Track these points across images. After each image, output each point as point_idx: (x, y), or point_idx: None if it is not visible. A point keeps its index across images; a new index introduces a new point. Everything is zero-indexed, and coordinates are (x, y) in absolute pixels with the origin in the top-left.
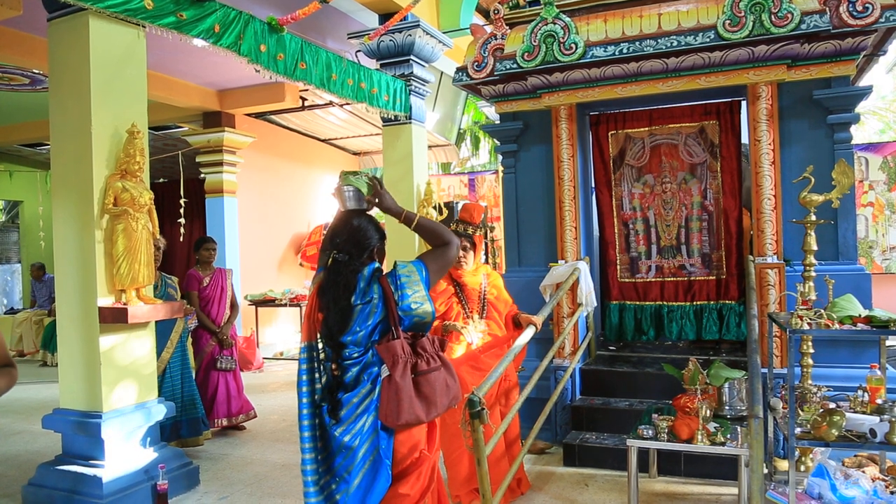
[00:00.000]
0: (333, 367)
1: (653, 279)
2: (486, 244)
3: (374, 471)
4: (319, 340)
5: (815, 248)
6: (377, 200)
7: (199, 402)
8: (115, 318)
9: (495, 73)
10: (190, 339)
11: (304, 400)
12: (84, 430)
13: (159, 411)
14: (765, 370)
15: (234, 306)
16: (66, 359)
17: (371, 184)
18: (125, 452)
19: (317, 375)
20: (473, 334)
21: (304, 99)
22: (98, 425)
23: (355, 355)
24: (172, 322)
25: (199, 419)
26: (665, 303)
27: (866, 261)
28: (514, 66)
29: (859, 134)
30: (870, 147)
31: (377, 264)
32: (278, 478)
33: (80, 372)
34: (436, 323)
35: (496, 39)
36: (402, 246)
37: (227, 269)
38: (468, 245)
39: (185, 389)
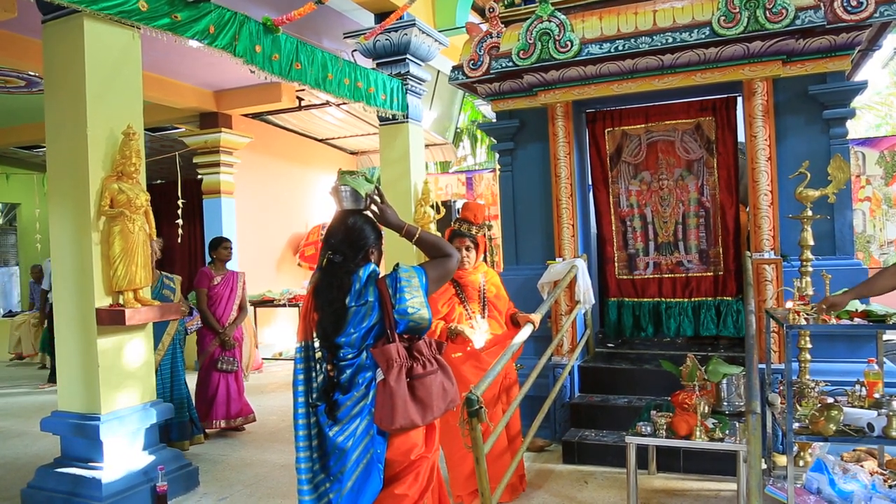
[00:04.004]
0: (329, 367)
1: (650, 276)
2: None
3: (367, 473)
4: (315, 340)
5: (811, 243)
6: (379, 214)
7: (189, 406)
8: (112, 320)
9: (491, 72)
10: (196, 338)
11: (300, 399)
12: (83, 432)
13: (158, 413)
14: (763, 366)
15: (242, 308)
16: (63, 361)
17: (372, 198)
18: (124, 454)
19: (313, 375)
20: (479, 336)
21: (300, 99)
22: (97, 427)
23: (350, 356)
24: (164, 324)
25: (186, 423)
26: (663, 299)
27: (864, 255)
28: (510, 64)
29: (856, 129)
30: (866, 142)
31: (374, 266)
32: (278, 478)
33: (78, 374)
34: (441, 325)
35: (492, 38)
36: (401, 248)
37: (240, 272)
38: (471, 245)
39: (174, 392)
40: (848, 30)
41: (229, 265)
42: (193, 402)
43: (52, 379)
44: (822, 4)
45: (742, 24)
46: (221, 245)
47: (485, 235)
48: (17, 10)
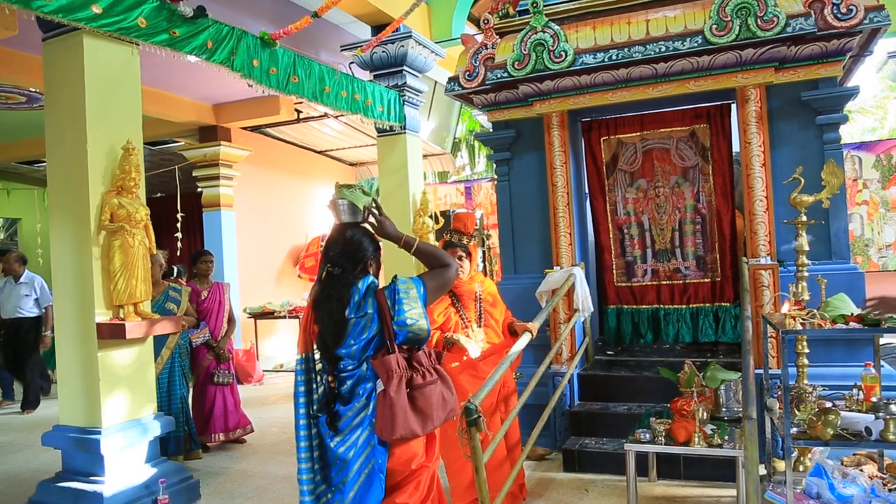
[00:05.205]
0: (330, 378)
1: (648, 283)
2: (483, 252)
3: (368, 483)
4: (316, 352)
5: (807, 248)
6: (377, 226)
7: (187, 420)
8: (112, 334)
9: (486, 83)
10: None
11: (301, 411)
12: (84, 446)
13: (159, 426)
14: (760, 371)
15: (231, 320)
16: (64, 375)
17: (370, 211)
18: (125, 468)
19: (314, 386)
20: (476, 345)
21: (298, 111)
22: (97, 441)
23: (350, 368)
24: (165, 337)
25: (182, 437)
26: (661, 306)
27: (863, 259)
28: (505, 74)
29: (852, 133)
30: (863, 145)
31: (372, 278)
32: (279, 490)
33: (79, 388)
34: (437, 335)
35: (487, 49)
36: (400, 259)
37: (225, 283)
38: (463, 254)
39: (172, 407)
40: (839, 36)
41: (228, 276)
42: (192, 416)
43: (26, 403)
44: (812, 12)
45: (734, 33)
46: (200, 259)
47: (480, 243)
48: (17, 28)
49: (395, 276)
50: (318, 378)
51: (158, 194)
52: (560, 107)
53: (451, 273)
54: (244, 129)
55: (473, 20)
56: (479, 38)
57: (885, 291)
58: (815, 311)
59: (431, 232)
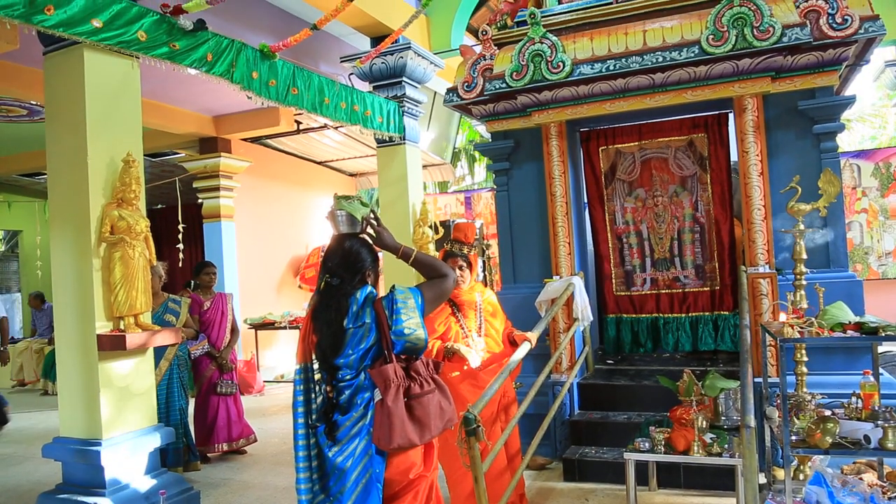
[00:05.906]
0: (328, 388)
1: (648, 292)
2: (482, 262)
3: (366, 493)
4: (314, 362)
5: (804, 256)
6: (375, 237)
7: (186, 432)
8: (113, 346)
9: (485, 93)
10: (189, 365)
11: (300, 420)
12: (84, 457)
13: (159, 437)
14: (760, 379)
15: (234, 331)
16: (65, 387)
17: (369, 221)
18: (125, 479)
19: (312, 396)
20: (476, 355)
21: (298, 122)
22: (98, 453)
23: (348, 377)
24: (163, 349)
25: (181, 449)
26: (661, 315)
27: (863, 267)
28: (504, 85)
29: (851, 141)
30: (861, 154)
31: (370, 288)
32: (280, 501)
33: (80, 400)
34: (438, 344)
35: (485, 60)
36: (399, 269)
37: (228, 293)
38: (464, 264)
39: (170, 418)
40: (834, 46)
41: (229, 287)
42: (192, 427)
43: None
44: (808, 22)
45: (730, 43)
46: (203, 271)
47: (480, 252)
48: (18, 42)
49: (394, 286)
50: (317, 388)
51: (159, 206)
52: (558, 117)
53: (448, 283)
54: (244, 140)
55: (472, 31)
56: (478, 48)
57: (886, 300)
58: (813, 319)
59: (431, 242)
